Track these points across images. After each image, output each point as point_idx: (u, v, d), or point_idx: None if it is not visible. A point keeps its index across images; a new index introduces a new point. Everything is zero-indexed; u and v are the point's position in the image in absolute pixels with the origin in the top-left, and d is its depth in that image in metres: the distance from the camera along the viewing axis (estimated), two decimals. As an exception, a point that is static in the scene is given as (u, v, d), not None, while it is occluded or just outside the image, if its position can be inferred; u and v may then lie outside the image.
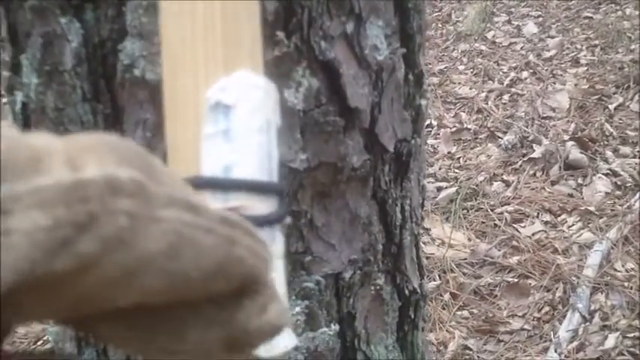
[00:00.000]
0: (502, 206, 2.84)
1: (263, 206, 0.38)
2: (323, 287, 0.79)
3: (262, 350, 0.40)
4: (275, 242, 0.40)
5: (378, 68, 0.74)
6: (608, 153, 3.11)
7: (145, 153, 0.25)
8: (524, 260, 2.50)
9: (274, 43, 0.67)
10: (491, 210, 2.81)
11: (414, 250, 0.90)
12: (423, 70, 0.82)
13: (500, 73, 4.08)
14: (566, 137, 3.23)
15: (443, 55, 4.47)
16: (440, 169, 3.20)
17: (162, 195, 0.25)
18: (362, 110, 0.74)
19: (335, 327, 0.82)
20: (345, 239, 0.80)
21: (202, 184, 0.38)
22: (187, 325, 0.28)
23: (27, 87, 0.75)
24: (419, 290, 0.92)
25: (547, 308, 2.31)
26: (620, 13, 4.50)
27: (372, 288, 0.84)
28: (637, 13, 4.32)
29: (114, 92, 0.71)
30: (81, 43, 0.70)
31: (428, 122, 3.33)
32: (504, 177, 3.08)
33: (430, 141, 3.40)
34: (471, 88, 3.94)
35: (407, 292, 0.89)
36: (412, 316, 0.92)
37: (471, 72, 4.16)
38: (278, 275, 0.42)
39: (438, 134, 3.48)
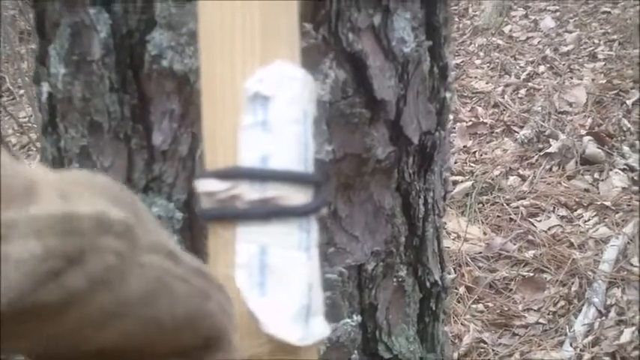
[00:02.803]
0: (518, 200, 2.83)
1: (300, 196, 0.38)
2: (346, 278, 0.80)
3: (296, 338, 0.40)
4: (311, 232, 0.40)
5: (404, 61, 0.74)
6: (625, 148, 3.09)
7: (135, 197, 0.25)
8: (540, 254, 2.50)
9: (302, 35, 0.67)
10: (507, 204, 2.81)
11: (435, 243, 0.90)
12: (448, 63, 0.82)
13: (517, 67, 4.06)
14: (583, 132, 3.21)
15: (459, 49, 4.45)
16: (456, 162, 3.19)
17: (148, 240, 0.25)
18: (388, 102, 0.74)
19: (357, 318, 0.82)
20: (368, 231, 0.80)
21: (240, 174, 0.39)
22: None
23: (54, 77, 0.75)
24: (440, 282, 0.92)
25: (562, 302, 2.30)
26: (638, 8, 4.46)
27: (394, 280, 0.84)
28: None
29: (141, 83, 0.72)
30: (109, 33, 0.70)
31: (444, 116, 3.32)
32: (520, 171, 3.07)
33: (446, 135, 3.38)
34: (487, 83, 3.92)
35: (428, 284, 0.90)
36: (433, 308, 0.92)
37: (488, 66, 4.14)
38: (312, 264, 0.43)
39: (454, 128, 3.47)
